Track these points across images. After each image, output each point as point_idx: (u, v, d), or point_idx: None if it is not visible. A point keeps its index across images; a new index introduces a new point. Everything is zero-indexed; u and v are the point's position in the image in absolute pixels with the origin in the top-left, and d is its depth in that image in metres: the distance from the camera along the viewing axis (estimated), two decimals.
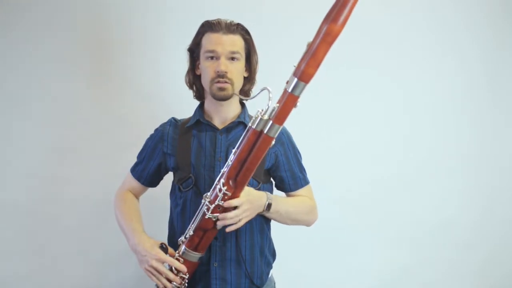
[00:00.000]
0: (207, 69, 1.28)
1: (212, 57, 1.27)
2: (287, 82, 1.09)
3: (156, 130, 1.41)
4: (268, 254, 1.38)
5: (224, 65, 1.25)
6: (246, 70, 1.35)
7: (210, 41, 1.27)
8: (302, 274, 2.07)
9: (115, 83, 1.80)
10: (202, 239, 1.20)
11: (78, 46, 1.75)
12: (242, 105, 1.39)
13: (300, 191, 1.40)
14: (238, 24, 1.31)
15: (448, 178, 2.23)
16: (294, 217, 1.34)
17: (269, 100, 1.11)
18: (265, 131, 1.10)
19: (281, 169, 1.36)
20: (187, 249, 1.21)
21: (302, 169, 1.41)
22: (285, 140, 1.37)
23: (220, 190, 1.14)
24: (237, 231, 1.26)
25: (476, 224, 2.28)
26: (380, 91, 2.11)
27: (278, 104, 1.10)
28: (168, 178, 1.44)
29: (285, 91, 1.09)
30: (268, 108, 1.11)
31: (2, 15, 1.68)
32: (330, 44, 1.06)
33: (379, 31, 2.07)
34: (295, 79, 1.06)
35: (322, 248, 2.07)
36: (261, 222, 1.34)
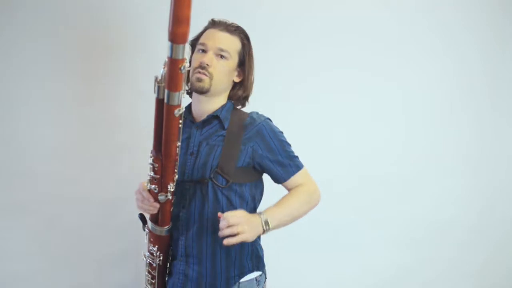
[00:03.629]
0: (193, 60, 1.29)
1: (203, 50, 1.29)
2: None
3: None
4: (237, 258, 1.31)
5: (208, 58, 1.26)
6: (239, 75, 1.35)
7: (206, 35, 1.30)
8: (302, 274, 2.08)
9: (114, 83, 1.80)
10: (159, 212, 1.23)
11: (77, 46, 1.75)
12: (230, 100, 1.37)
13: (294, 178, 1.33)
14: (238, 27, 1.32)
15: (448, 178, 2.23)
16: (297, 214, 1.31)
17: (163, 67, 1.06)
18: (165, 100, 1.07)
19: (266, 161, 1.30)
20: (152, 224, 1.26)
21: (290, 157, 1.33)
22: (266, 132, 1.30)
23: (149, 161, 1.16)
24: (200, 228, 1.27)
25: (476, 224, 2.28)
26: (380, 91, 2.11)
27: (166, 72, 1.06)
28: None
29: (167, 57, 1.04)
30: (162, 76, 1.07)
31: (1, 15, 1.68)
32: None
33: (379, 31, 2.07)
34: (170, 43, 1.02)
35: (322, 248, 2.08)
36: None
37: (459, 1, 2.20)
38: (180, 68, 1.01)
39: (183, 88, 1.06)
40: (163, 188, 1.17)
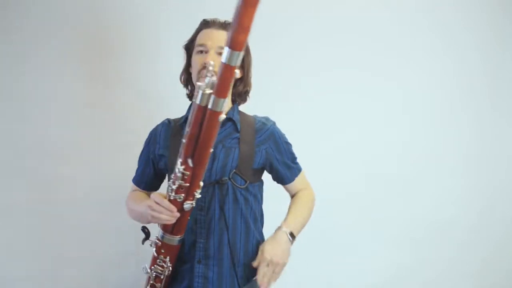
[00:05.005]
0: (195, 63, 1.29)
1: (202, 51, 1.29)
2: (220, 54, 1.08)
3: (150, 134, 1.41)
4: (253, 256, 1.34)
5: (212, 58, 1.26)
6: (240, 72, 1.36)
7: (203, 36, 1.31)
8: (301, 274, 2.07)
9: (114, 83, 1.80)
10: (176, 222, 1.19)
11: (77, 46, 1.75)
12: (233, 102, 1.39)
13: (296, 180, 1.42)
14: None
15: (448, 178, 2.23)
16: (307, 221, 1.40)
17: (209, 73, 1.07)
18: (209, 106, 1.07)
19: (275, 163, 1.37)
20: (164, 233, 1.22)
21: (294, 159, 1.42)
22: (277, 136, 1.37)
23: (178, 170, 1.12)
24: (221, 229, 1.28)
25: (476, 224, 2.28)
26: (380, 91, 2.11)
27: (216, 77, 1.05)
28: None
29: (221, 63, 1.04)
30: (208, 82, 1.07)
31: (1, 16, 1.68)
32: (253, 6, 0.97)
33: (379, 31, 2.07)
34: (228, 49, 1.01)
35: (322, 248, 2.07)
36: (247, 216, 1.33)
37: (459, 1, 2.19)
38: (233, 75, 1.04)
39: (228, 95, 1.07)
40: (189, 196, 1.16)
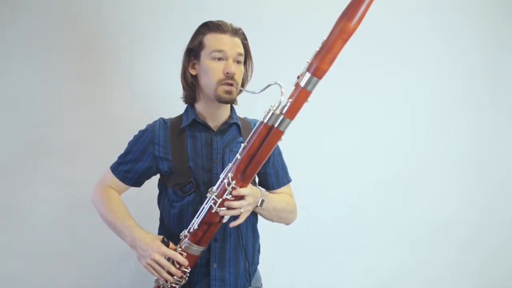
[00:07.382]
0: (213, 70, 1.24)
1: (219, 58, 1.24)
2: (298, 77, 1.11)
3: (145, 131, 1.34)
4: (257, 251, 1.41)
5: (234, 66, 1.24)
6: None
7: (218, 41, 1.24)
8: (302, 275, 2.07)
9: (113, 84, 1.80)
10: (206, 233, 1.19)
11: (76, 46, 1.75)
12: (231, 106, 1.37)
13: (282, 189, 1.41)
14: (240, 28, 1.31)
15: (448, 178, 2.23)
16: (280, 214, 1.34)
17: (281, 95, 1.11)
18: (275, 125, 1.11)
19: (265, 166, 1.36)
20: (190, 243, 1.20)
21: (285, 168, 1.42)
22: None
23: (228, 184, 1.14)
24: (236, 231, 1.29)
25: (476, 224, 2.28)
26: (380, 91, 2.11)
27: (290, 100, 1.11)
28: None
29: (298, 86, 1.10)
30: (280, 103, 1.12)
31: (1, 17, 1.68)
32: (345, 41, 1.07)
33: (379, 31, 2.07)
34: (308, 75, 1.08)
35: (323, 249, 2.08)
36: (254, 221, 1.37)
37: (459, 1, 2.20)
38: (307, 100, 1.10)
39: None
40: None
